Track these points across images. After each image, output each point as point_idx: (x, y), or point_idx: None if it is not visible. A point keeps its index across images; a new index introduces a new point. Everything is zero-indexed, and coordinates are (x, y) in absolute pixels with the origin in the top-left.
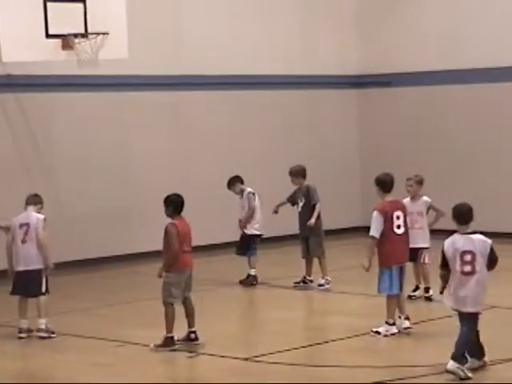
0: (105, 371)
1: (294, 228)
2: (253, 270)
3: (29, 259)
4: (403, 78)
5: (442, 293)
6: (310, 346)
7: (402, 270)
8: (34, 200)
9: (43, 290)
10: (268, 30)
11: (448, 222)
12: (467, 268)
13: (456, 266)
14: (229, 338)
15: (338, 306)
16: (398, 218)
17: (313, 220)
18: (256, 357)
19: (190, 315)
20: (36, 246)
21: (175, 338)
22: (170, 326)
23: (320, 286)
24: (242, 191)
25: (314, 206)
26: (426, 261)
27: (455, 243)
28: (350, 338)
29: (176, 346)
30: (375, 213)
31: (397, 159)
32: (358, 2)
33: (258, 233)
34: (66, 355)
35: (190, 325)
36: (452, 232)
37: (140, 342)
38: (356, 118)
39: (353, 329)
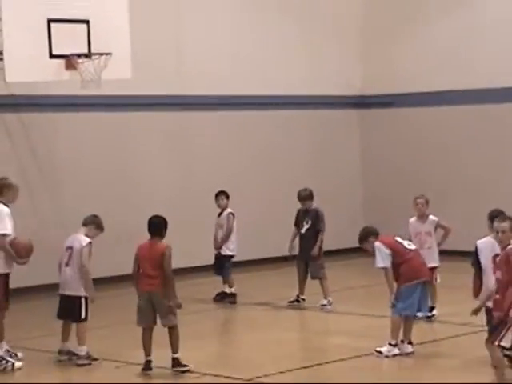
0: None
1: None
2: (233, 289)
3: (68, 284)
4: (405, 99)
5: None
6: (311, 366)
7: (424, 288)
8: (86, 221)
9: (82, 316)
10: (271, 51)
11: (454, 243)
12: None
13: (490, 267)
14: (231, 359)
15: (340, 326)
16: (402, 239)
17: (316, 249)
18: (258, 377)
19: (170, 340)
20: (77, 272)
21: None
22: (144, 348)
23: (323, 306)
24: (225, 208)
25: (318, 232)
26: (438, 280)
27: (490, 246)
28: (351, 358)
29: (150, 371)
30: (377, 243)
31: (399, 179)
32: (360, 22)
33: (231, 253)
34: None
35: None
36: (457, 252)
37: (141, 363)
38: (358, 138)
39: (354, 349)
